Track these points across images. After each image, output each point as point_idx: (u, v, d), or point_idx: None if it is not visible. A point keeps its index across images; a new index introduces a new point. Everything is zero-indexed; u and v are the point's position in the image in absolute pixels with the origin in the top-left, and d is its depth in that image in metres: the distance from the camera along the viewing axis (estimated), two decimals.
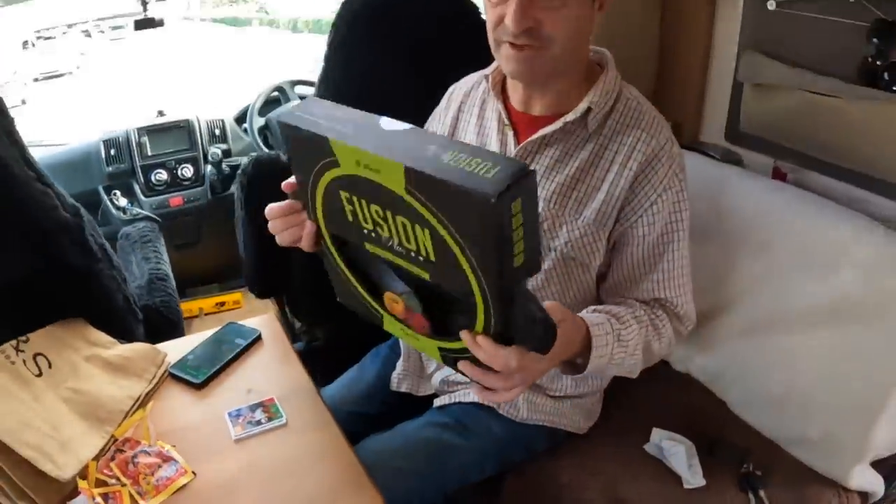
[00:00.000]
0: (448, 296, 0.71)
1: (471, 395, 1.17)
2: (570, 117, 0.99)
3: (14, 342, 1.01)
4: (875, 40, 1.21)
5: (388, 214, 0.67)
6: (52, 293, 1.16)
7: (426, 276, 0.70)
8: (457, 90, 1.20)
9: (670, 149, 1.00)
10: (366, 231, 0.73)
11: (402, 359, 1.29)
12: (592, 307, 1.00)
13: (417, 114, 1.21)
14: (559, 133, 1.01)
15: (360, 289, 0.84)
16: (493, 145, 1.08)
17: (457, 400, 1.20)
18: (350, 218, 0.74)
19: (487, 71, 1.10)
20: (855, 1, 1.23)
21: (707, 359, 1.41)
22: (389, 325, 0.85)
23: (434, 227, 0.63)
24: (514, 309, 0.68)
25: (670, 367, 1.49)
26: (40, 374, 0.99)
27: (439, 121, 1.21)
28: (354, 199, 0.71)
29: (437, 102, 1.25)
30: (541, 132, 1.01)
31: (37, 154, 1.20)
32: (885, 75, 1.21)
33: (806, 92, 1.35)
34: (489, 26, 0.95)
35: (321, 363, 1.38)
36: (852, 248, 1.15)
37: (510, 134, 1.05)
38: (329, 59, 1.49)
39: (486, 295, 0.65)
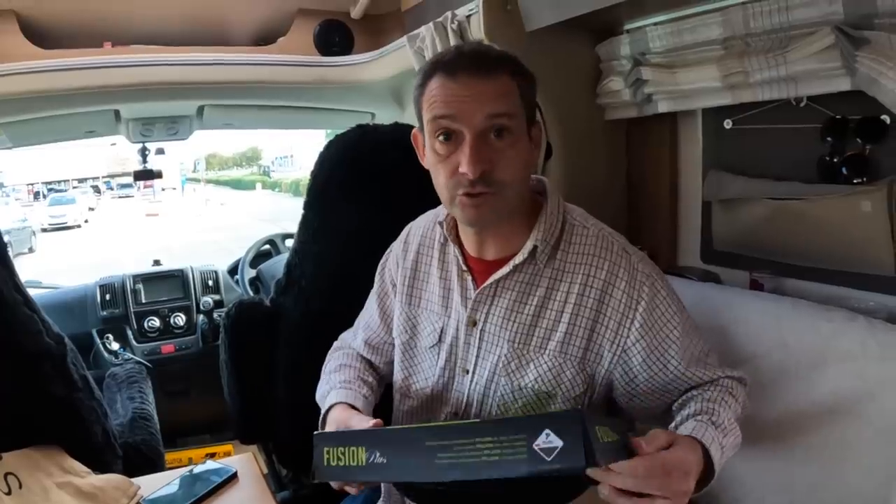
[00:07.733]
0: None
1: None
2: (518, 259, 1.01)
3: None
4: (829, 138, 1.28)
5: None
6: (30, 417, 1.14)
7: None
8: (413, 230, 1.23)
9: (627, 262, 1.00)
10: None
11: (381, 499, 1.21)
12: (672, 423, 0.96)
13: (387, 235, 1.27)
14: (511, 275, 1.03)
15: None
16: (455, 290, 1.09)
17: None
18: None
19: (441, 217, 1.13)
20: (805, 105, 1.32)
21: None
22: None
23: None
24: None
25: None
26: (9, 493, 0.97)
27: (396, 262, 1.22)
28: None
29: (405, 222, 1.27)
30: (493, 277, 1.03)
31: (33, 295, 1.22)
32: (843, 169, 1.26)
33: (771, 200, 1.39)
34: (442, 182, 0.97)
35: None
36: (834, 342, 1.13)
37: (469, 279, 1.07)
38: (310, 204, 1.57)
39: None
